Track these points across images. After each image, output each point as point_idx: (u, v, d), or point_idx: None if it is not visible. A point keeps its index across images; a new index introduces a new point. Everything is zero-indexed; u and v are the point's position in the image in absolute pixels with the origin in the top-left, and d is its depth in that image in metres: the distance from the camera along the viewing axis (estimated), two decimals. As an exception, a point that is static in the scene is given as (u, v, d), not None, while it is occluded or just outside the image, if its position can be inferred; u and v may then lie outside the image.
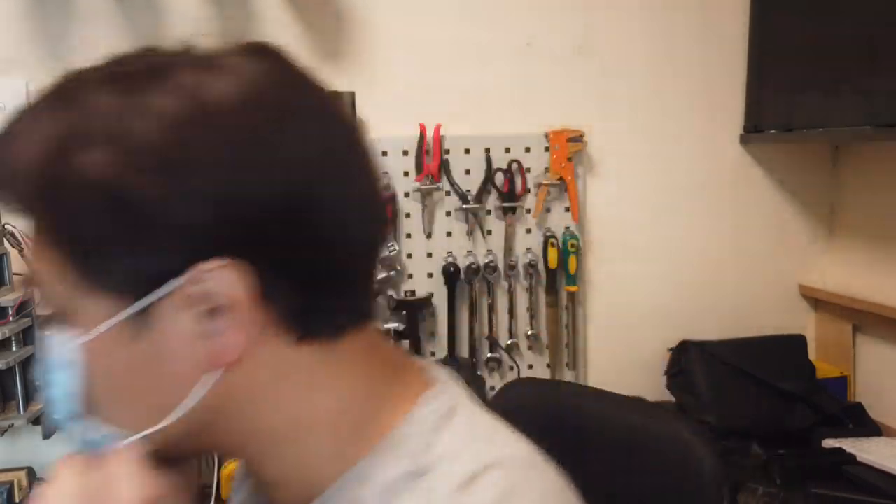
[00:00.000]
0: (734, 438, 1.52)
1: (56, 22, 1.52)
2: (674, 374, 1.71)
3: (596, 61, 1.71)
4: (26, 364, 1.35)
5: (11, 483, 1.42)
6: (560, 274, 1.71)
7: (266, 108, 0.45)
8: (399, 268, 1.66)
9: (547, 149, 1.69)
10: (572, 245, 1.69)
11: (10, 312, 1.30)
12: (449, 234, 1.69)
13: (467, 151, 1.67)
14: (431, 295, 1.68)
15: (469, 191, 1.67)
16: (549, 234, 1.70)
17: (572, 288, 1.71)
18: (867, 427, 1.60)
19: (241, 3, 1.58)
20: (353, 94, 1.57)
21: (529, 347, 1.75)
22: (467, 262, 1.68)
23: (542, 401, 1.17)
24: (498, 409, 1.21)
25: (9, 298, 1.31)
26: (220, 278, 0.42)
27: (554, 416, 1.13)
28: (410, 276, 1.69)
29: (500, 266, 1.70)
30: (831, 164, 1.83)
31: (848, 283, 1.77)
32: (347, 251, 0.47)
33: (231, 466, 1.47)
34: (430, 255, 1.69)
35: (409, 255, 1.68)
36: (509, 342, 1.72)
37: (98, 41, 1.53)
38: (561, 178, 1.69)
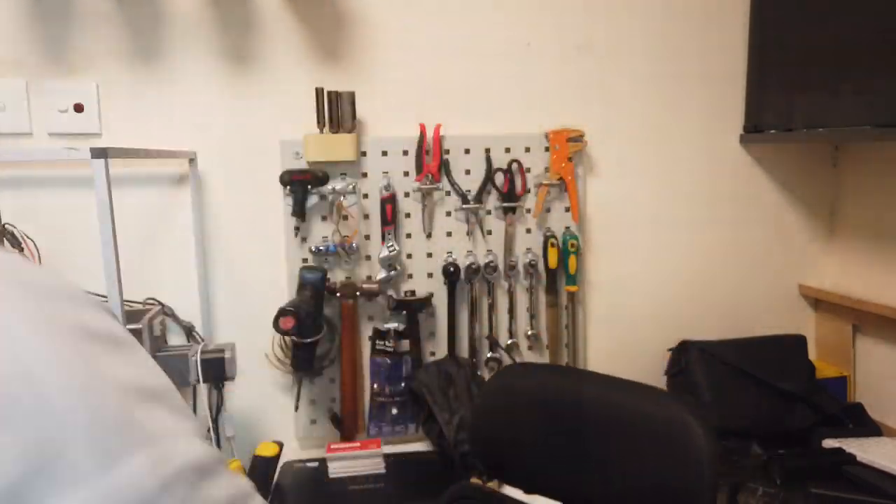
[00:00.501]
0: (734, 438, 1.52)
1: (56, 22, 1.52)
2: (674, 374, 1.72)
3: (596, 61, 1.71)
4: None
5: None
6: (560, 274, 1.71)
7: None
8: (399, 268, 1.66)
9: (547, 149, 1.69)
10: (572, 245, 1.69)
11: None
12: (449, 234, 1.69)
13: (467, 151, 1.67)
14: (431, 295, 1.68)
15: (469, 191, 1.67)
16: (549, 234, 1.70)
17: (572, 288, 1.71)
18: (867, 427, 1.61)
19: (241, 3, 1.58)
20: (352, 94, 1.57)
21: (529, 347, 1.75)
22: (467, 262, 1.68)
23: (540, 383, 1.17)
24: (497, 392, 1.23)
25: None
26: None
27: (552, 400, 1.13)
28: (410, 276, 1.69)
29: (500, 266, 1.70)
30: (831, 164, 1.83)
31: (848, 283, 1.77)
32: None
33: (231, 466, 1.47)
34: (430, 255, 1.69)
35: (409, 255, 1.68)
36: (509, 342, 1.73)
37: (98, 42, 1.54)
38: (561, 178, 1.69)
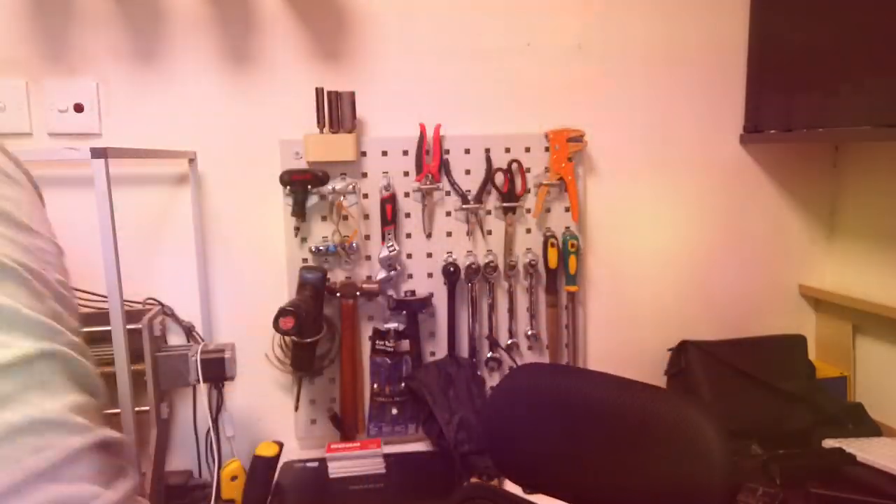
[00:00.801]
0: (734, 438, 1.52)
1: (56, 22, 1.52)
2: (674, 374, 1.72)
3: (596, 61, 1.71)
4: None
5: None
6: (560, 274, 1.71)
7: None
8: (399, 268, 1.66)
9: (547, 149, 1.69)
10: (572, 245, 1.69)
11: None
12: (449, 234, 1.69)
13: (467, 151, 1.67)
14: (431, 295, 1.68)
15: (469, 191, 1.67)
16: (549, 234, 1.70)
17: (572, 288, 1.71)
18: (867, 427, 1.61)
19: (241, 3, 1.58)
20: (353, 94, 1.57)
21: (529, 347, 1.75)
22: (467, 262, 1.68)
23: (552, 383, 1.17)
24: (509, 390, 1.23)
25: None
26: None
27: (563, 400, 1.13)
28: (410, 276, 1.69)
29: (500, 266, 1.70)
30: (831, 164, 1.83)
31: (848, 283, 1.77)
32: None
33: (231, 466, 1.47)
34: (430, 255, 1.69)
35: (409, 255, 1.68)
36: (509, 342, 1.73)
37: (98, 42, 1.54)
38: (561, 178, 1.69)
